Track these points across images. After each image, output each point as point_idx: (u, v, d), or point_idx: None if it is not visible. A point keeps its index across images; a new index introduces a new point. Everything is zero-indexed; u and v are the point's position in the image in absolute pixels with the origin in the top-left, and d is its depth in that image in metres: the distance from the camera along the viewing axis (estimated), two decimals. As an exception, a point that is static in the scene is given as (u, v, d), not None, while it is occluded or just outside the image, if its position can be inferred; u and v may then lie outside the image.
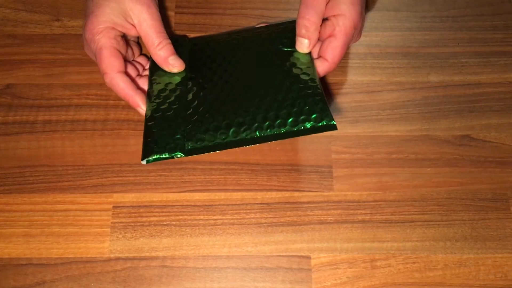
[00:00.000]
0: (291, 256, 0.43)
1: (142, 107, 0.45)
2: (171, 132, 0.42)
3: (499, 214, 0.45)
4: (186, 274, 0.43)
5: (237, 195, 0.45)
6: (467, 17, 0.53)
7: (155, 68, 0.47)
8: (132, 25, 0.45)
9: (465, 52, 0.51)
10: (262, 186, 0.46)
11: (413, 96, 0.49)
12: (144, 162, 0.42)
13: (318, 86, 0.44)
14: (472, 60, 0.51)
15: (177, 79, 0.46)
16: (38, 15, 0.53)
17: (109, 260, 0.43)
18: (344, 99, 0.49)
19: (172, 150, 0.41)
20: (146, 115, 0.44)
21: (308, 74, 0.45)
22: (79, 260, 0.43)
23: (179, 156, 0.41)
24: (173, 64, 0.46)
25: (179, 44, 0.48)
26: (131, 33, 0.46)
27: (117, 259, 0.43)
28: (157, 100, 0.45)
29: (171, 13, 0.53)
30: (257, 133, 0.42)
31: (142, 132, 0.43)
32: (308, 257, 0.43)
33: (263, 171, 0.46)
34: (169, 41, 0.46)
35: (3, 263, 0.43)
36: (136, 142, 0.47)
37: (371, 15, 0.53)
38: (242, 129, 0.42)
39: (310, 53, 0.46)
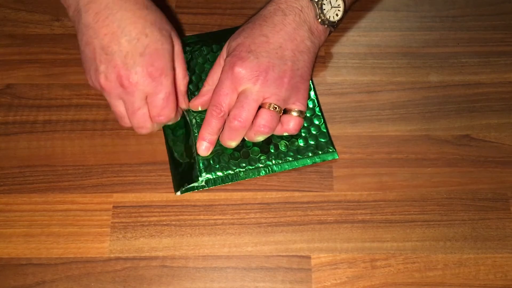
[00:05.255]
0: (291, 256, 0.43)
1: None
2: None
3: (499, 214, 0.45)
4: (186, 274, 0.42)
5: (237, 195, 0.45)
6: (467, 17, 0.53)
7: None
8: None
9: (465, 52, 0.51)
10: (262, 186, 0.46)
11: (413, 96, 0.49)
12: (179, 193, 0.45)
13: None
14: (472, 60, 0.51)
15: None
16: (38, 15, 0.53)
17: (109, 260, 0.43)
18: (344, 99, 0.49)
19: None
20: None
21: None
22: (79, 260, 0.43)
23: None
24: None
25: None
26: None
27: (117, 259, 0.43)
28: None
29: (171, 13, 0.53)
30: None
31: (142, 132, 0.43)
32: (308, 257, 0.43)
33: (263, 171, 0.46)
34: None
35: (3, 263, 0.43)
36: (136, 142, 0.47)
37: (371, 15, 0.53)
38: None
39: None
